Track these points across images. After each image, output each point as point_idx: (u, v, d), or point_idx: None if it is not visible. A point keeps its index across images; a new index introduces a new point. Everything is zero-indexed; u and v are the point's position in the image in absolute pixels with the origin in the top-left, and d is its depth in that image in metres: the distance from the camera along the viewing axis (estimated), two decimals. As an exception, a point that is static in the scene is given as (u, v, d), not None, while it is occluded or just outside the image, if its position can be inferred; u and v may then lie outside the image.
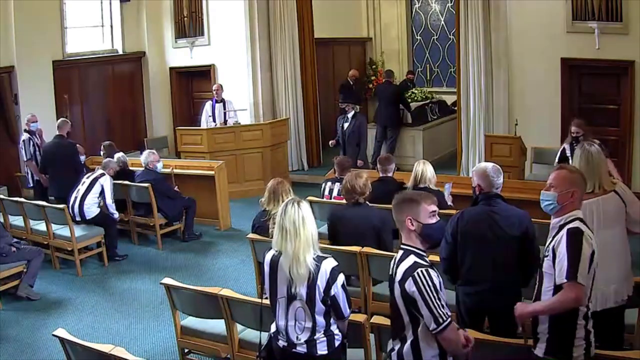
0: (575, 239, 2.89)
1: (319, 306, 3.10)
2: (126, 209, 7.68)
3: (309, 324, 3.12)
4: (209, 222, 8.14)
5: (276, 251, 3.18)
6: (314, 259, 3.08)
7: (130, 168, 8.02)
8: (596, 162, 3.85)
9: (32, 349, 5.11)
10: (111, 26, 11.21)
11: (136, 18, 11.44)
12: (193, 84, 12.07)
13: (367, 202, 4.97)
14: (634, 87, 8.06)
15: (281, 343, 3.21)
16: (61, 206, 6.65)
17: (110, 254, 7.04)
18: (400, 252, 2.93)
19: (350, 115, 8.57)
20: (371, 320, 3.56)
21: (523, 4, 8.63)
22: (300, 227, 3.08)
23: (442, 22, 13.56)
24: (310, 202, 6.33)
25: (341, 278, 3.13)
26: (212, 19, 11.08)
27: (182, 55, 11.52)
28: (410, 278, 2.76)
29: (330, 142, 9.04)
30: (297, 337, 3.14)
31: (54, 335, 3.55)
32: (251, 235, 5.22)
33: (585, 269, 2.85)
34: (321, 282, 3.07)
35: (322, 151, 11.44)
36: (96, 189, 6.93)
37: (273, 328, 3.28)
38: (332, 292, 3.10)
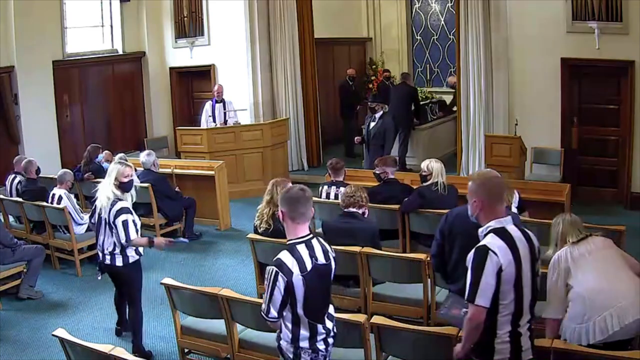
0: (478, 258, 2.81)
1: (113, 229, 4.57)
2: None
3: (111, 239, 4.62)
4: (209, 222, 8.14)
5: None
6: (113, 198, 4.57)
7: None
8: (577, 221, 3.72)
9: (32, 349, 5.11)
10: (111, 26, 11.21)
11: (136, 18, 11.43)
12: (193, 84, 12.07)
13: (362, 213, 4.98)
14: (634, 87, 8.04)
15: (101, 256, 4.74)
16: (61, 206, 6.65)
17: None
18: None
19: (377, 115, 8.41)
20: (371, 320, 3.56)
21: (523, 4, 8.62)
22: (112, 174, 4.62)
23: (442, 22, 13.57)
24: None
25: (124, 217, 4.54)
26: (212, 19, 11.08)
27: (182, 55, 11.52)
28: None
29: (355, 139, 8.87)
30: (106, 248, 4.66)
31: (54, 335, 3.55)
32: (251, 235, 5.22)
33: (486, 290, 2.77)
34: (111, 215, 4.55)
35: (322, 151, 11.43)
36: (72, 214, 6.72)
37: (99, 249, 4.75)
38: (115, 225, 4.54)
